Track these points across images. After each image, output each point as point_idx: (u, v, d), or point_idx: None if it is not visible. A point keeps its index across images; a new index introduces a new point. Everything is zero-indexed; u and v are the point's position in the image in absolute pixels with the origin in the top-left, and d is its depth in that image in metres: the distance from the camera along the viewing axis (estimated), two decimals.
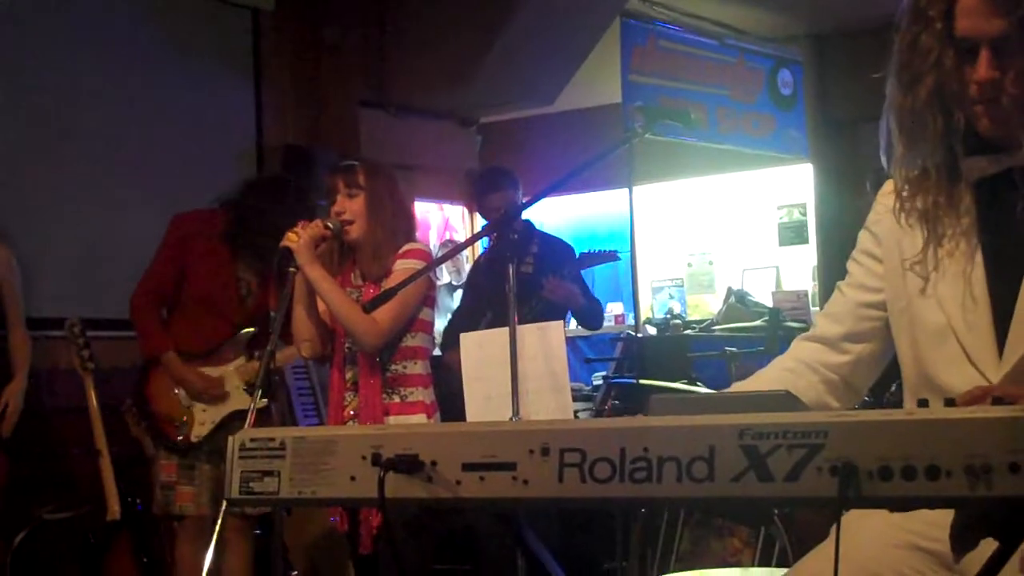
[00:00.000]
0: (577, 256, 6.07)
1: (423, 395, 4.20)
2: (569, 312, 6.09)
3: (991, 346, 2.04)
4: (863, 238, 2.31)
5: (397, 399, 4.16)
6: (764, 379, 2.32)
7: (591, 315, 6.20)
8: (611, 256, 5.92)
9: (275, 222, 4.64)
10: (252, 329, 5.13)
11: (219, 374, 5.12)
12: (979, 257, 2.09)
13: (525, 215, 6.00)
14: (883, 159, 2.18)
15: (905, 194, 2.16)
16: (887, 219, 2.21)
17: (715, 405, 1.70)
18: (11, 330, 5.30)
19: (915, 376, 2.17)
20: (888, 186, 2.23)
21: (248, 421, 3.94)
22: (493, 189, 6.03)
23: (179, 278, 5.12)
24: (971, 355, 2.06)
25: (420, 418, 4.14)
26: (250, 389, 4.85)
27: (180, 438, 5.05)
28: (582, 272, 6.02)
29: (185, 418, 5.06)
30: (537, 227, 6.42)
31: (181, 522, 5.08)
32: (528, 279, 5.64)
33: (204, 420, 5.07)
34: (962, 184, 2.11)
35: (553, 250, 6.08)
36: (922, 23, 2.04)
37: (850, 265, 2.33)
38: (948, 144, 2.08)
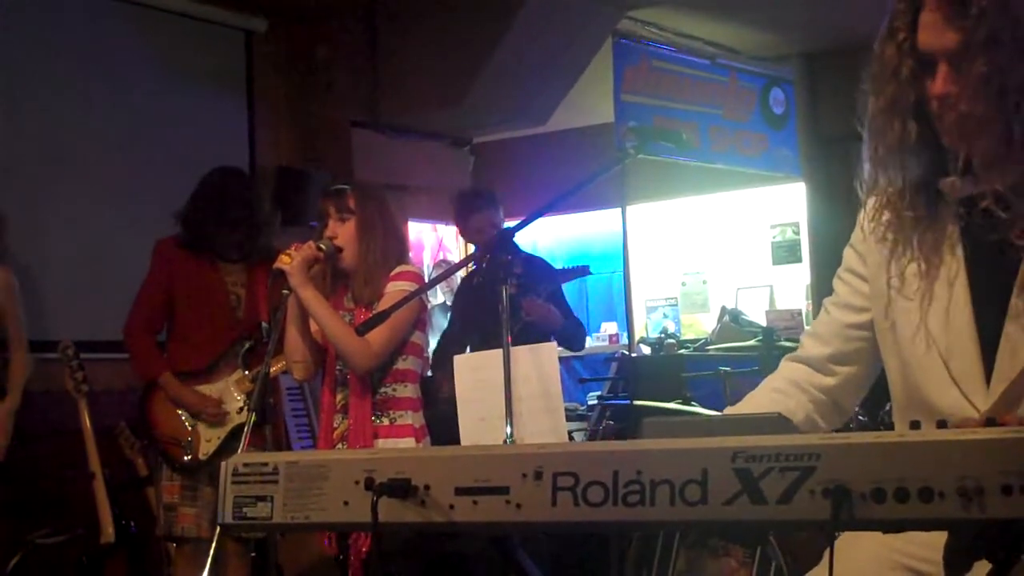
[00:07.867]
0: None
1: (412, 418, 4.18)
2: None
3: (978, 372, 2.02)
4: (848, 256, 2.29)
5: (386, 421, 4.14)
6: (755, 401, 2.30)
7: (572, 337, 6.02)
8: (583, 271, 5.88)
9: (218, 211, 5.08)
10: (248, 343, 5.13)
11: (219, 391, 5.10)
12: (963, 279, 2.07)
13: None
14: (864, 171, 2.15)
15: (886, 213, 2.13)
16: (872, 237, 2.19)
17: (707, 428, 1.70)
18: (12, 352, 5.30)
19: (903, 396, 2.16)
20: (871, 202, 2.20)
21: (242, 445, 3.93)
22: (474, 211, 5.99)
23: (169, 302, 5.13)
24: (958, 380, 2.04)
25: (409, 441, 4.11)
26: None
27: (188, 458, 5.02)
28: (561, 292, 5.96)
29: (190, 438, 5.04)
30: (520, 248, 6.35)
31: (180, 544, 5.06)
32: (511, 301, 5.59)
33: (210, 437, 5.05)
34: (943, 203, 2.08)
35: (533, 269, 5.94)
36: (890, 36, 2.04)
37: (836, 283, 2.31)
38: (921, 159, 2.05)
